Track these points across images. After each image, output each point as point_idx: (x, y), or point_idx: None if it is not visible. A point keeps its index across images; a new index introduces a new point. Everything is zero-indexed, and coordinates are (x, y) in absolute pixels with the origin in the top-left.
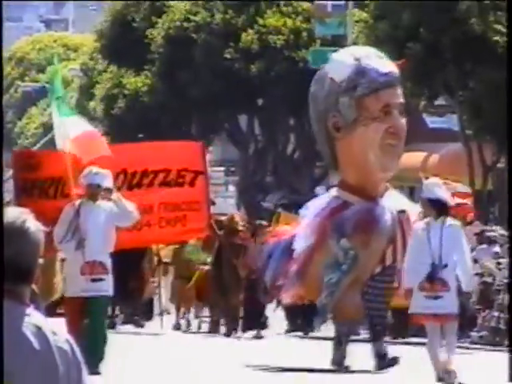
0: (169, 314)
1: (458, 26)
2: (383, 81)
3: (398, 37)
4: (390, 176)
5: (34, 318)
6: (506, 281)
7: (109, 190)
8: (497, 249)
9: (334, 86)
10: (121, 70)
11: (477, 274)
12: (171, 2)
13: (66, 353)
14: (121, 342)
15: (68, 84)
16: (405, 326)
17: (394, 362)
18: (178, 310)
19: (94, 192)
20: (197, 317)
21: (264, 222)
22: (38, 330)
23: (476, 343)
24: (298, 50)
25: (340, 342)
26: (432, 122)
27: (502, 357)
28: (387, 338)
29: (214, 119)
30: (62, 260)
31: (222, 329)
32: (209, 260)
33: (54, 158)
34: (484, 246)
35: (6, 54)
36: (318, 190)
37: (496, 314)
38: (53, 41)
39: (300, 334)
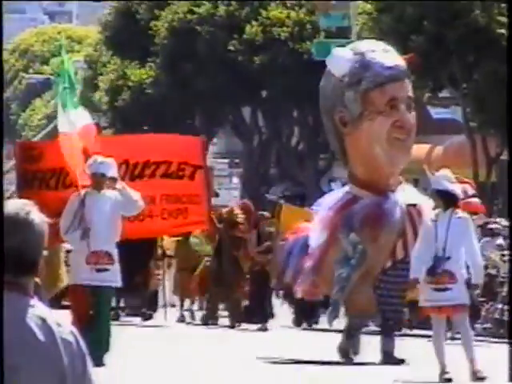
0: (174, 306)
1: (461, 19)
2: (388, 74)
3: (401, 29)
4: (400, 170)
5: (38, 309)
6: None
7: (113, 180)
8: (500, 241)
9: (338, 81)
10: (125, 61)
11: None
12: None
13: (71, 344)
14: (125, 334)
15: None
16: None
17: (399, 362)
18: (181, 302)
19: (98, 181)
20: (200, 309)
21: (266, 213)
22: (43, 322)
23: (480, 335)
24: (301, 42)
25: (351, 335)
26: (436, 113)
27: (504, 350)
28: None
29: (217, 111)
30: (68, 251)
31: (225, 321)
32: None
33: (55, 148)
34: (488, 238)
35: (9, 46)
36: (333, 185)
37: (500, 306)
38: (57, 33)
39: (304, 325)
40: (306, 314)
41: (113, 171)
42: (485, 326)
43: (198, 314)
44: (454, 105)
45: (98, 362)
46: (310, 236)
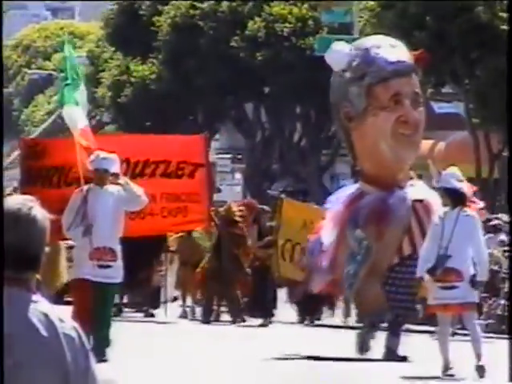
0: (176, 299)
1: (464, 15)
2: (392, 69)
3: (404, 25)
4: (408, 165)
5: (41, 305)
6: None
7: (116, 175)
8: (503, 237)
9: (343, 76)
10: (127, 57)
11: None
12: None
13: (73, 340)
14: (127, 329)
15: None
16: None
17: (402, 359)
18: (183, 297)
19: (101, 177)
20: (202, 305)
21: (266, 207)
22: (45, 317)
23: (482, 331)
24: (304, 37)
25: (364, 331)
26: (439, 107)
27: (506, 346)
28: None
29: (220, 107)
30: (70, 247)
31: (227, 317)
32: None
33: (58, 146)
34: (490, 234)
35: (12, 42)
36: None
37: (502, 302)
38: (59, 28)
39: (306, 322)
40: (310, 311)
41: (116, 167)
42: (487, 322)
43: (199, 310)
44: (456, 100)
45: (101, 358)
46: (323, 233)
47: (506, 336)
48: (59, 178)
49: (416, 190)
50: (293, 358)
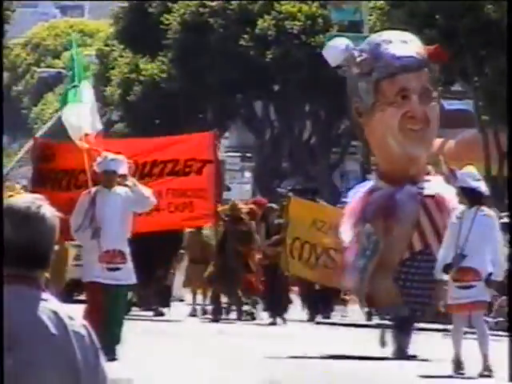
0: (182, 300)
1: (473, 13)
2: (399, 65)
3: (414, 23)
4: (421, 161)
5: (50, 303)
6: None
7: (124, 177)
8: None
9: (353, 71)
10: (137, 55)
11: None
12: None
13: (83, 338)
14: (137, 328)
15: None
16: None
17: (411, 358)
18: (193, 296)
19: (110, 178)
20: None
21: (274, 205)
22: (55, 315)
23: (492, 329)
24: (314, 35)
25: (382, 328)
26: (449, 104)
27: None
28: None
29: (229, 105)
30: (79, 245)
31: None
32: None
33: (68, 149)
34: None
35: (21, 40)
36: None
37: None
38: (69, 27)
39: (317, 320)
40: (318, 309)
41: (123, 168)
42: (497, 319)
43: (210, 309)
44: (465, 98)
45: (111, 356)
46: (342, 229)
47: None
48: (69, 181)
49: (431, 185)
50: (302, 357)
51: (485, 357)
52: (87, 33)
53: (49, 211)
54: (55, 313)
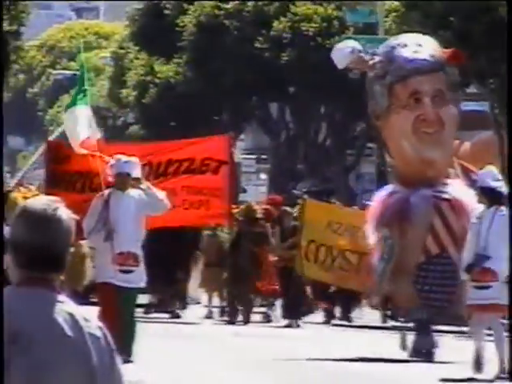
0: (198, 303)
1: (488, 14)
2: (411, 68)
3: (429, 25)
4: (439, 163)
5: (66, 305)
6: None
7: (137, 180)
8: None
9: (369, 75)
10: (152, 57)
11: None
12: None
13: (99, 339)
14: (153, 330)
15: (100, 72)
16: None
17: (428, 359)
18: (209, 298)
19: (123, 181)
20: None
21: (288, 208)
22: (71, 317)
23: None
24: (329, 37)
25: (401, 331)
26: (464, 105)
27: None
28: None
29: (245, 107)
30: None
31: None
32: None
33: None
34: None
35: (37, 42)
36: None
37: None
38: (84, 29)
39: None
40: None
41: (137, 171)
42: None
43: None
44: (481, 100)
45: (126, 358)
46: (367, 233)
47: None
48: (83, 183)
49: (449, 188)
50: (318, 359)
51: (501, 360)
52: (102, 35)
53: (65, 213)
54: (71, 315)
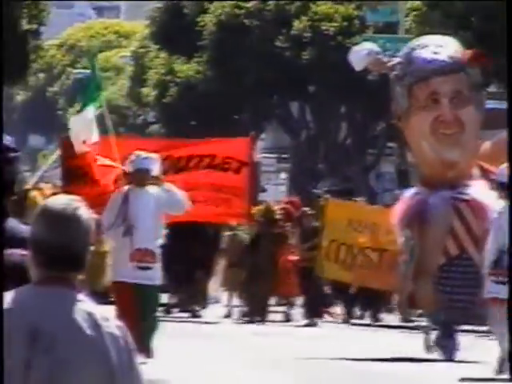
0: (217, 302)
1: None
2: (429, 69)
3: (449, 25)
4: (461, 164)
5: (85, 304)
6: None
7: (157, 178)
8: None
9: (391, 76)
10: (172, 56)
11: None
12: None
13: (117, 339)
14: (172, 329)
15: (120, 71)
16: None
17: (450, 360)
18: (229, 297)
19: (143, 177)
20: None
21: (308, 209)
22: (90, 316)
23: None
24: (350, 37)
25: (425, 331)
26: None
27: None
28: None
29: (265, 106)
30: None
31: (276, 316)
32: None
33: (102, 145)
34: None
35: (57, 41)
36: None
37: None
38: (104, 28)
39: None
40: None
41: (157, 167)
42: None
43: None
44: (502, 100)
45: (145, 357)
46: (396, 232)
47: None
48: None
49: (470, 190)
50: (337, 358)
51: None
52: (123, 34)
53: (85, 213)
54: (90, 314)
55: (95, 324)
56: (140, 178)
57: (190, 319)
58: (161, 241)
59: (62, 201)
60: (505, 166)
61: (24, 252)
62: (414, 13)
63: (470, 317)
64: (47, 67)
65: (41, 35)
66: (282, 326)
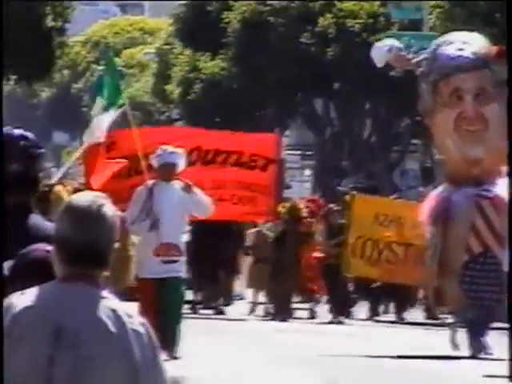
0: (242, 299)
1: None
2: (453, 65)
3: (474, 22)
4: (482, 163)
5: (109, 301)
6: None
7: (188, 185)
8: None
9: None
10: (197, 53)
11: None
12: None
13: (141, 335)
14: (197, 326)
15: (144, 68)
16: None
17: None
18: (255, 294)
19: (169, 171)
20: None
21: (334, 206)
22: (113, 313)
23: None
24: (375, 33)
25: (451, 329)
26: None
27: None
28: None
29: (290, 103)
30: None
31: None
32: None
33: (127, 136)
34: None
35: (82, 38)
36: None
37: None
38: (129, 25)
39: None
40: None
41: (183, 161)
42: None
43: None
44: None
45: (171, 354)
46: (423, 228)
47: None
48: (130, 168)
49: (496, 187)
50: (361, 355)
51: None
52: (147, 31)
53: (109, 210)
54: (114, 311)
55: (119, 321)
56: (166, 172)
57: (214, 316)
58: (185, 236)
59: (86, 198)
60: None
61: (49, 247)
62: (438, 10)
63: (494, 314)
64: (72, 64)
65: (65, 32)
66: (306, 323)
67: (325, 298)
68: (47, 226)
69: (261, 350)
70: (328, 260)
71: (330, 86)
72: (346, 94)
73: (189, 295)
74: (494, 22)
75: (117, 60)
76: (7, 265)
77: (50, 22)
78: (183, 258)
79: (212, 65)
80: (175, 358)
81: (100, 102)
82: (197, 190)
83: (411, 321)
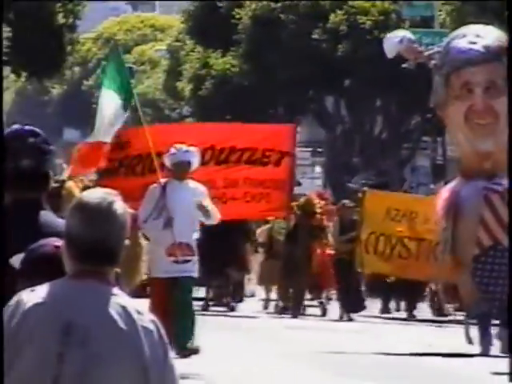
0: (253, 296)
1: None
2: (463, 59)
3: (484, 18)
4: (493, 156)
5: (119, 298)
6: None
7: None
8: None
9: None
10: (208, 50)
11: None
12: None
13: (152, 333)
14: (208, 323)
15: (155, 65)
16: None
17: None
18: (267, 291)
19: (184, 170)
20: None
21: (347, 202)
22: (124, 310)
23: None
24: (386, 30)
25: (465, 324)
26: None
27: None
28: None
29: (300, 100)
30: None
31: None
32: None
33: (140, 134)
34: None
35: (92, 35)
36: None
37: None
38: (140, 21)
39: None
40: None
41: (197, 160)
42: None
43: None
44: None
45: (183, 352)
46: (436, 222)
47: None
48: (143, 166)
49: (506, 180)
50: (372, 352)
51: None
52: (158, 28)
53: (120, 207)
54: (124, 307)
55: (129, 318)
56: (180, 170)
57: (225, 313)
58: (196, 234)
59: (97, 194)
60: None
61: (58, 243)
62: (448, 7)
63: (505, 309)
64: (82, 61)
65: (76, 29)
66: (317, 319)
67: (336, 294)
68: (59, 222)
69: (272, 347)
70: (339, 255)
71: (340, 83)
72: (356, 91)
73: (201, 293)
74: (504, 18)
75: (128, 57)
76: (18, 259)
77: (60, 19)
78: (196, 258)
79: (223, 62)
80: (186, 356)
81: (114, 100)
82: (209, 202)
83: (422, 318)
